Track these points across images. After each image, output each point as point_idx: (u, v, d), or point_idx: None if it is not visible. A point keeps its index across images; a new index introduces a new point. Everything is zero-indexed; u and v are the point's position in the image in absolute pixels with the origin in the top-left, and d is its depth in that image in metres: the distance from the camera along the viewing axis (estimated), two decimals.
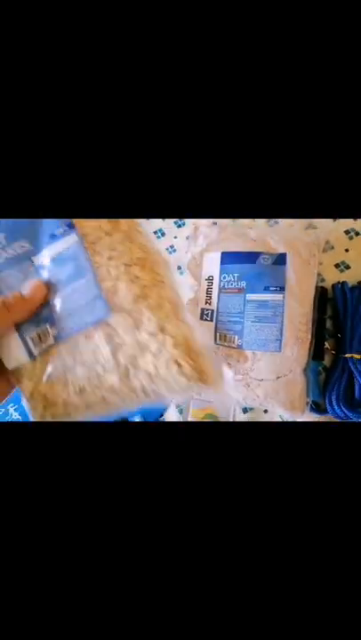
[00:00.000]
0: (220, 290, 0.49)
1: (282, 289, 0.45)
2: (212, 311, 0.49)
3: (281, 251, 0.46)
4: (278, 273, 0.46)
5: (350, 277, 0.49)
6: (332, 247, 0.50)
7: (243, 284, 0.47)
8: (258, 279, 0.47)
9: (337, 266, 0.50)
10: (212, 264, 0.50)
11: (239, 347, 0.46)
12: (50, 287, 0.29)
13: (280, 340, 0.45)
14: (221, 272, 0.49)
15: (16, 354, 0.29)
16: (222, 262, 0.49)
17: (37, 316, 0.29)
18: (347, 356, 0.44)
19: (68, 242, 0.29)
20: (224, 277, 0.48)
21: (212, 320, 0.49)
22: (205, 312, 0.49)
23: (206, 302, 0.49)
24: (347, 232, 0.51)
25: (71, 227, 0.29)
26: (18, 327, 0.29)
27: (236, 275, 0.48)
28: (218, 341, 0.48)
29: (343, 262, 0.50)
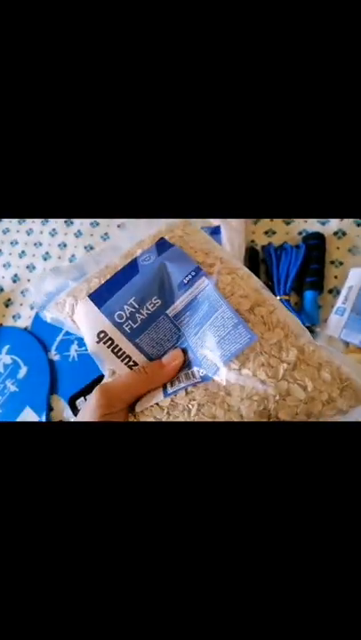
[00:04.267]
0: None
1: None
2: None
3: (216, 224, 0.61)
4: (217, 241, 0.51)
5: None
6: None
7: None
8: None
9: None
10: None
11: None
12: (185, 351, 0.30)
13: None
14: None
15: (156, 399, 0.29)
16: None
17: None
18: (278, 297, 0.59)
19: (199, 286, 0.29)
20: None
21: None
22: None
23: None
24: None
25: (198, 271, 0.30)
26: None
27: None
28: None
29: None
